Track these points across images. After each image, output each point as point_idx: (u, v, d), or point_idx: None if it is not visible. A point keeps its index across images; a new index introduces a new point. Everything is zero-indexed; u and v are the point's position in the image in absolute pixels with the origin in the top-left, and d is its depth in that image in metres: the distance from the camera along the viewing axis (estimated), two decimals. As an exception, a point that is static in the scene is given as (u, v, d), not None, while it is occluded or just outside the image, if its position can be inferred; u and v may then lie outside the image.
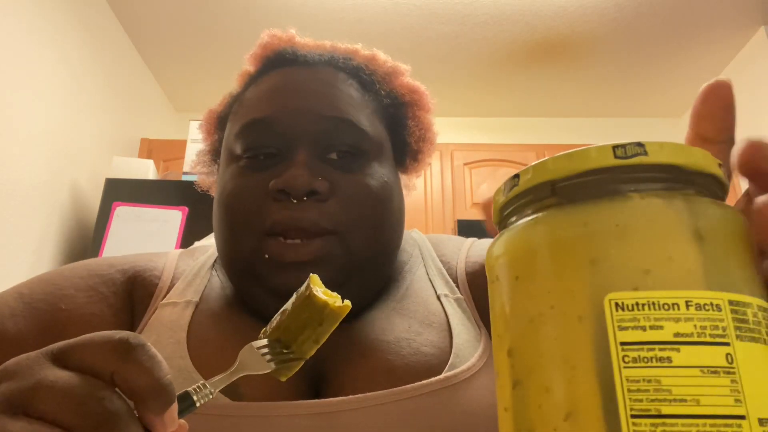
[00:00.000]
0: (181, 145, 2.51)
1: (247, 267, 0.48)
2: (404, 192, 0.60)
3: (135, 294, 0.53)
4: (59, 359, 0.27)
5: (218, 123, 0.60)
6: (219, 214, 0.51)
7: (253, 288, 0.49)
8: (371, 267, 0.50)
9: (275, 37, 0.58)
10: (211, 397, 0.31)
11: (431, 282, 0.56)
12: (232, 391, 0.44)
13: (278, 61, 0.56)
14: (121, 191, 2.10)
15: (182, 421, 0.29)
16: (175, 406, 0.28)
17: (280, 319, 0.36)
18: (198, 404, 0.30)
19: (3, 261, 1.84)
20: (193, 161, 0.63)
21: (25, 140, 1.93)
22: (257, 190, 0.48)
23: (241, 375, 0.33)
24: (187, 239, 1.95)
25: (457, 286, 0.55)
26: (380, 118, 0.55)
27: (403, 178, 0.61)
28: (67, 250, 2.20)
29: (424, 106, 0.59)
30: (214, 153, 0.60)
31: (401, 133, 0.58)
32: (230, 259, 0.50)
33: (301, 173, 0.46)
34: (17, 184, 1.90)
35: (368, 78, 0.56)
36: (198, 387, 0.31)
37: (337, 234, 0.47)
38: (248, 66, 0.59)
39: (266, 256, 0.46)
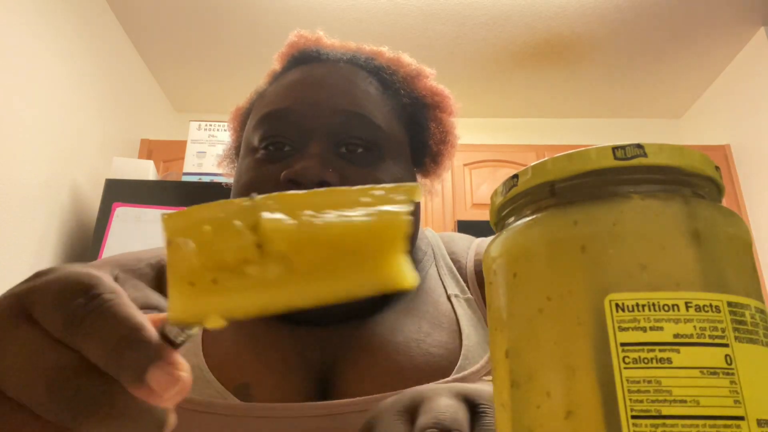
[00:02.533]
0: (181, 145, 2.51)
1: None
2: (427, 197, 0.60)
3: (163, 288, 0.54)
4: (26, 310, 0.23)
5: (243, 119, 0.61)
6: None
7: None
8: None
9: (302, 36, 0.60)
10: (191, 333, 0.24)
11: (442, 281, 0.56)
12: (241, 392, 0.44)
13: (301, 59, 0.58)
14: (121, 192, 2.10)
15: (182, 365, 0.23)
16: (168, 364, 0.21)
17: None
18: (178, 341, 0.24)
19: (3, 261, 1.84)
20: (219, 158, 0.65)
21: (26, 141, 1.93)
22: (269, 180, 0.49)
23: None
24: (187, 240, 1.95)
25: (468, 286, 0.55)
26: (398, 117, 0.55)
27: (426, 183, 0.61)
28: (67, 250, 2.20)
29: (447, 109, 0.60)
30: (239, 149, 0.61)
31: (421, 135, 0.58)
32: None
33: (313, 164, 0.47)
34: (17, 185, 1.90)
35: (389, 78, 0.57)
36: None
37: None
38: (275, 64, 0.61)
39: None
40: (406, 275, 0.22)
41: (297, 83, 0.53)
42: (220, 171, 0.66)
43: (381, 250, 0.22)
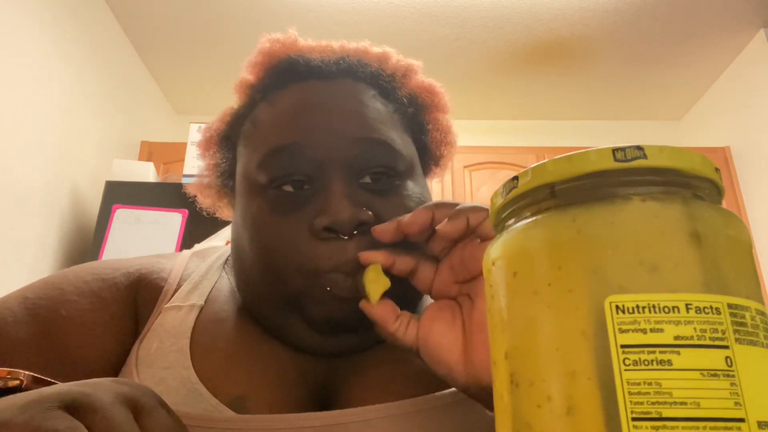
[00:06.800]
0: (181, 147, 2.50)
1: (293, 302, 0.45)
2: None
3: (139, 298, 0.51)
4: (71, 409, 0.25)
5: (221, 143, 0.55)
6: (254, 254, 0.46)
7: (292, 321, 0.46)
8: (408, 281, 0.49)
9: (277, 42, 0.54)
10: None
11: None
12: (237, 404, 0.43)
13: (290, 75, 0.52)
14: (121, 194, 2.10)
15: None
16: None
17: None
18: None
19: (3, 263, 1.84)
20: (194, 184, 0.58)
21: (26, 143, 1.93)
22: (299, 230, 0.44)
23: None
24: (187, 242, 1.95)
25: None
26: (407, 130, 0.53)
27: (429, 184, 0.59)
28: (67, 252, 2.20)
29: (443, 108, 0.56)
30: (221, 174, 0.55)
31: (423, 140, 0.55)
32: (269, 297, 0.47)
33: (346, 206, 0.43)
34: (17, 187, 1.90)
35: (388, 85, 0.53)
36: None
37: None
38: (248, 75, 0.55)
39: (328, 289, 0.43)
40: None
41: (301, 109, 0.48)
42: (201, 201, 0.59)
43: None
